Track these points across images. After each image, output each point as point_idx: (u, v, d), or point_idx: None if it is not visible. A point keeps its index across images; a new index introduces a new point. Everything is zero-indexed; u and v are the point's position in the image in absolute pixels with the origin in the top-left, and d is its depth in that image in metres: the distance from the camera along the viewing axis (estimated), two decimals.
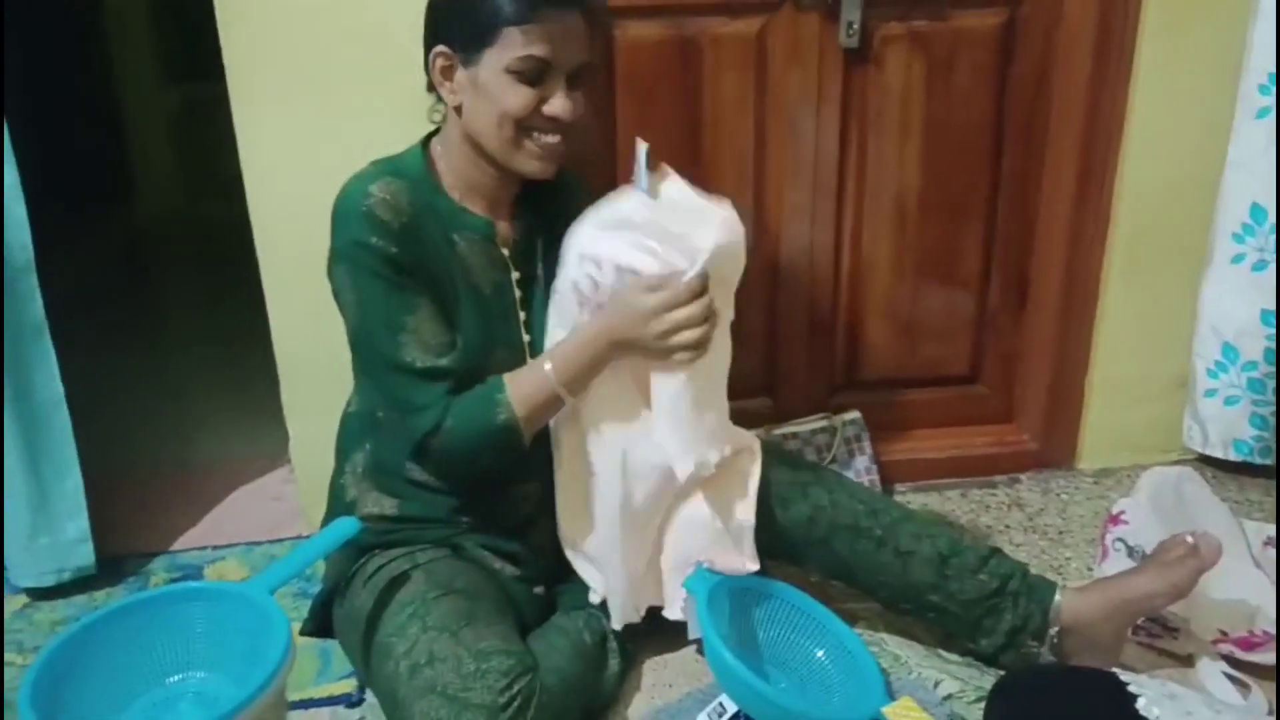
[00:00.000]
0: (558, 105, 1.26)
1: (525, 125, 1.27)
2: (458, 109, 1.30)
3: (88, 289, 3.02)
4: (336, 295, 1.32)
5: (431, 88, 1.33)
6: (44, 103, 3.17)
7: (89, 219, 3.60)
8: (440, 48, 1.28)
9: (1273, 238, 1.80)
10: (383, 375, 1.30)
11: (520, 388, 1.28)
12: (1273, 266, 1.81)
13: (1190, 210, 1.86)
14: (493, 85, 1.25)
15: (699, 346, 1.25)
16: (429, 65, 1.30)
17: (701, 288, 1.24)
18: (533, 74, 1.24)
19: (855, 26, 1.72)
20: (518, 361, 1.36)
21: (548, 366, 1.28)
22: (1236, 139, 1.80)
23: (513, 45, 1.23)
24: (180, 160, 3.85)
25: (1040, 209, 1.92)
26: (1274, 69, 1.73)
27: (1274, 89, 1.74)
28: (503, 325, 1.38)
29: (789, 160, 1.82)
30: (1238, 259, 1.84)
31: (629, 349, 1.27)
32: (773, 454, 1.47)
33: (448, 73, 1.29)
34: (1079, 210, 1.87)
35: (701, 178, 1.79)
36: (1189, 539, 1.39)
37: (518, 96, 1.25)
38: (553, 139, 1.29)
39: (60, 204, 3.27)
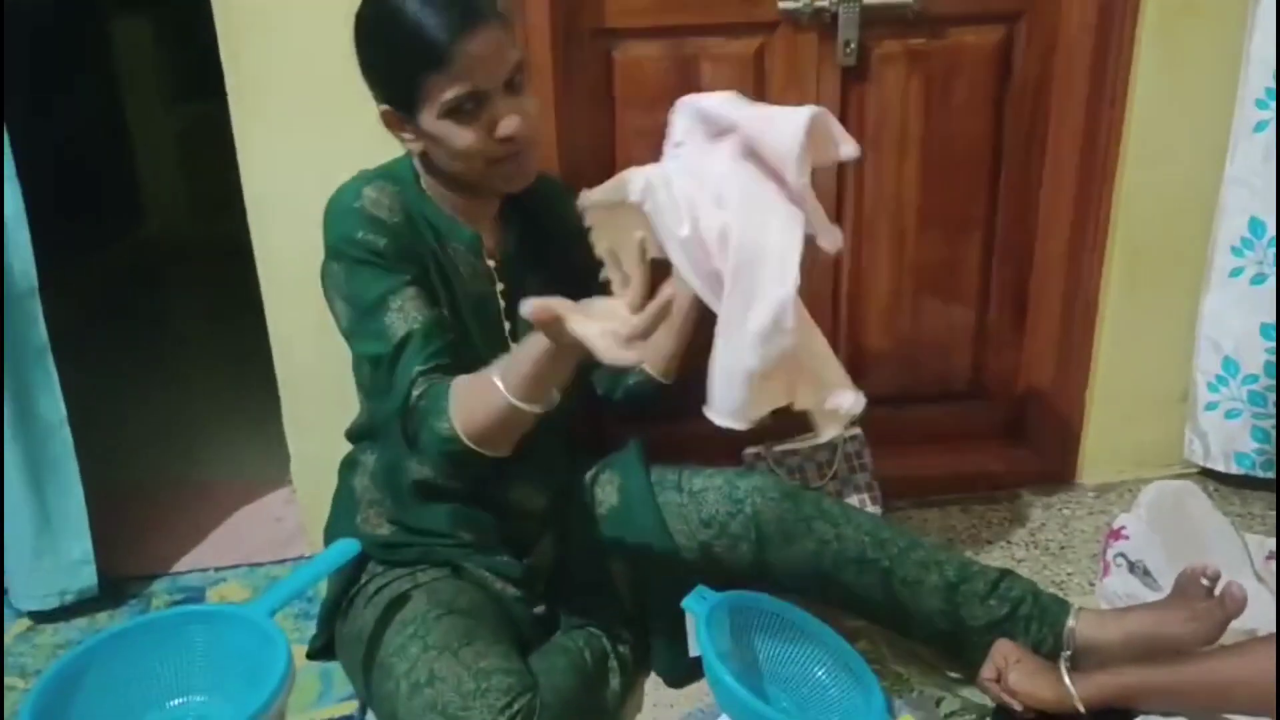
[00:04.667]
0: (509, 125, 1.23)
1: (487, 154, 1.25)
2: (422, 154, 1.31)
3: (94, 307, 3.05)
4: (328, 295, 1.31)
5: None
6: (51, 123, 3.20)
7: (96, 237, 3.62)
8: (383, 106, 1.28)
9: (1271, 251, 1.81)
10: (369, 356, 1.26)
11: (465, 399, 1.18)
12: (1272, 280, 1.82)
13: (1189, 224, 1.86)
14: (439, 132, 1.24)
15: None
16: (381, 115, 1.29)
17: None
18: (469, 108, 1.22)
19: (852, 45, 1.73)
20: None
21: (493, 376, 1.15)
22: (1234, 153, 1.80)
23: (437, 90, 1.21)
24: (186, 179, 3.87)
25: (1039, 224, 1.92)
26: (1270, 84, 1.74)
27: (1271, 103, 1.74)
28: (488, 336, 1.37)
29: None
30: (1236, 273, 1.84)
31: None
32: (774, 489, 1.47)
33: (399, 125, 1.28)
34: (1078, 225, 1.87)
35: None
36: (1204, 580, 1.36)
37: (465, 136, 1.23)
38: (520, 155, 1.27)
39: (67, 223, 3.30)
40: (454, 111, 1.22)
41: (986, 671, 1.35)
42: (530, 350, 1.12)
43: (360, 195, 1.28)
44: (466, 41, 1.19)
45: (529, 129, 1.27)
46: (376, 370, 1.25)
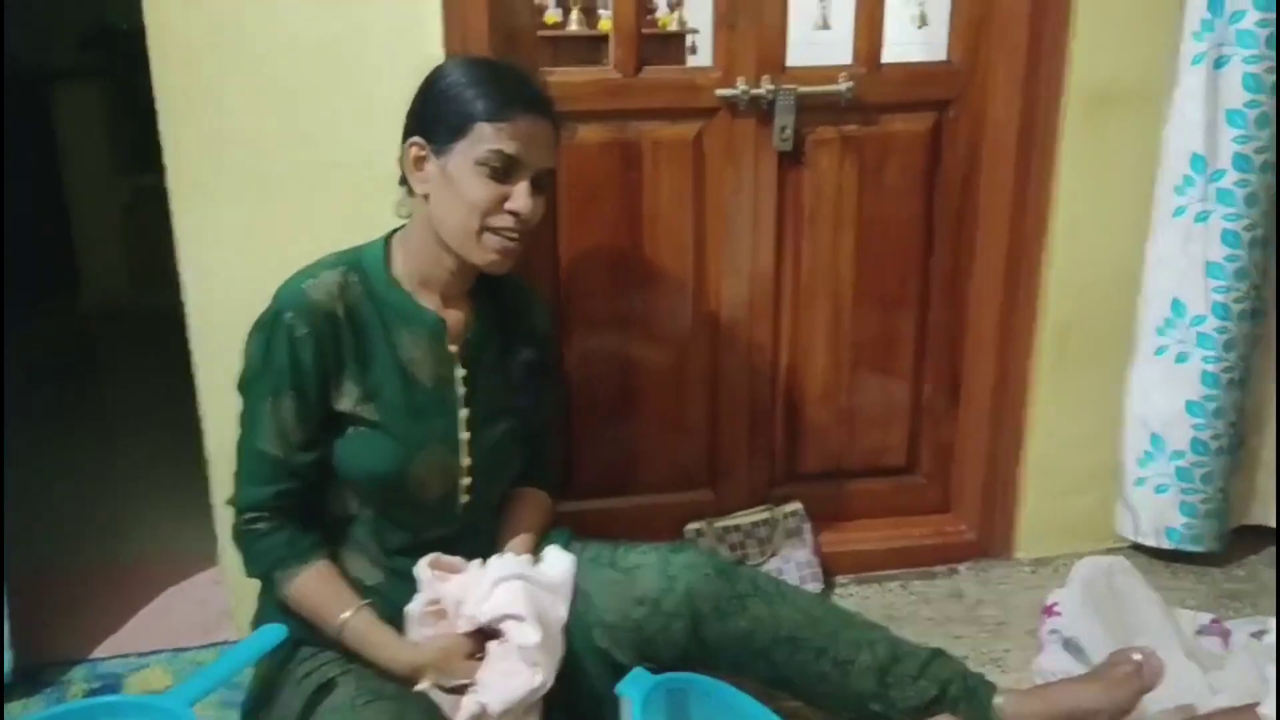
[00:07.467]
0: (520, 202, 1.30)
1: (488, 218, 1.30)
2: (425, 197, 1.33)
3: (21, 378, 2.97)
4: (244, 358, 1.35)
5: (403, 181, 1.36)
6: None
7: (33, 307, 3.55)
8: (415, 139, 1.32)
9: (1194, 331, 1.87)
10: (239, 436, 1.34)
11: (312, 597, 1.33)
12: (1195, 358, 1.88)
13: (1115, 304, 1.92)
14: (461, 176, 1.29)
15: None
16: (402, 156, 1.34)
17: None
18: (500, 169, 1.29)
19: (788, 131, 1.78)
20: (452, 458, 1.37)
21: (343, 615, 1.31)
22: (1155, 237, 1.87)
23: (484, 139, 1.28)
24: (127, 251, 3.83)
25: (970, 303, 1.97)
26: (1188, 171, 1.82)
27: (1188, 190, 1.82)
28: (441, 421, 1.37)
29: (727, 256, 1.86)
30: (1161, 351, 1.90)
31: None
32: (708, 565, 1.46)
33: (419, 163, 1.33)
34: (1008, 304, 1.92)
35: (642, 273, 1.84)
36: (1136, 655, 1.39)
37: (483, 188, 1.29)
38: (511, 236, 1.32)
39: (3, 293, 3.23)
40: (486, 164, 1.28)
41: None
42: (384, 650, 1.31)
43: (314, 276, 1.32)
44: (529, 116, 1.30)
45: (532, 221, 1.33)
46: (239, 441, 1.34)
